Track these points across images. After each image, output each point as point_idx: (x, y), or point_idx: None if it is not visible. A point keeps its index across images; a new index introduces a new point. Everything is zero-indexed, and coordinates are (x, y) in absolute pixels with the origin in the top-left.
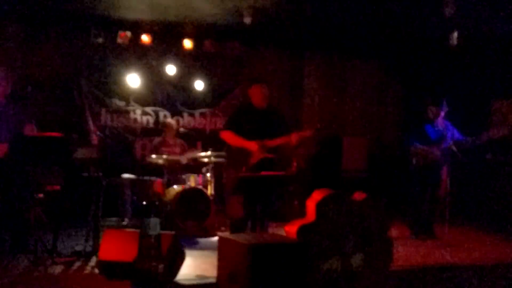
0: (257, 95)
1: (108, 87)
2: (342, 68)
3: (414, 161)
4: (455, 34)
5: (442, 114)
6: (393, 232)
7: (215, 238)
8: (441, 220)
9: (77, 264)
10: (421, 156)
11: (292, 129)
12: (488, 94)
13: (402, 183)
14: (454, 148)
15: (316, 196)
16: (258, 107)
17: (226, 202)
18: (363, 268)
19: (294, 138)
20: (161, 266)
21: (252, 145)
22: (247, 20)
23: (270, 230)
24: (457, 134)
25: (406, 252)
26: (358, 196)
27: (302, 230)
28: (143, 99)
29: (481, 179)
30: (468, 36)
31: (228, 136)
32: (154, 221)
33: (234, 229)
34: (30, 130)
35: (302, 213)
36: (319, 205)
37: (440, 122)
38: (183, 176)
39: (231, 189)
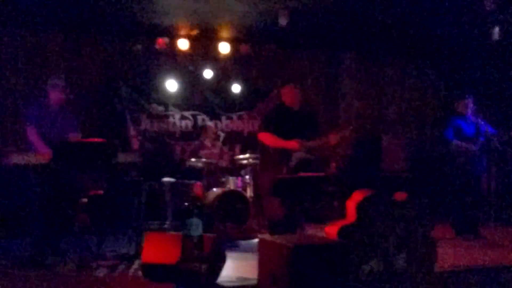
0: (289, 95)
1: (147, 93)
2: (379, 68)
3: (456, 158)
4: (496, 30)
5: (471, 106)
6: (437, 233)
7: (255, 240)
8: (486, 219)
9: (121, 267)
10: (461, 153)
11: (325, 131)
12: None
13: (444, 182)
14: (497, 144)
15: (356, 196)
16: (292, 107)
17: (263, 204)
18: (406, 269)
19: (332, 138)
20: (204, 267)
21: (293, 144)
22: (283, 21)
23: (310, 232)
24: (490, 130)
25: (450, 252)
26: (399, 196)
27: (342, 231)
28: (182, 104)
29: None
30: (510, 31)
31: (267, 138)
32: (196, 222)
33: (273, 231)
34: (75, 138)
35: (342, 214)
36: (360, 206)
37: (472, 117)
38: (222, 179)
39: (269, 191)
